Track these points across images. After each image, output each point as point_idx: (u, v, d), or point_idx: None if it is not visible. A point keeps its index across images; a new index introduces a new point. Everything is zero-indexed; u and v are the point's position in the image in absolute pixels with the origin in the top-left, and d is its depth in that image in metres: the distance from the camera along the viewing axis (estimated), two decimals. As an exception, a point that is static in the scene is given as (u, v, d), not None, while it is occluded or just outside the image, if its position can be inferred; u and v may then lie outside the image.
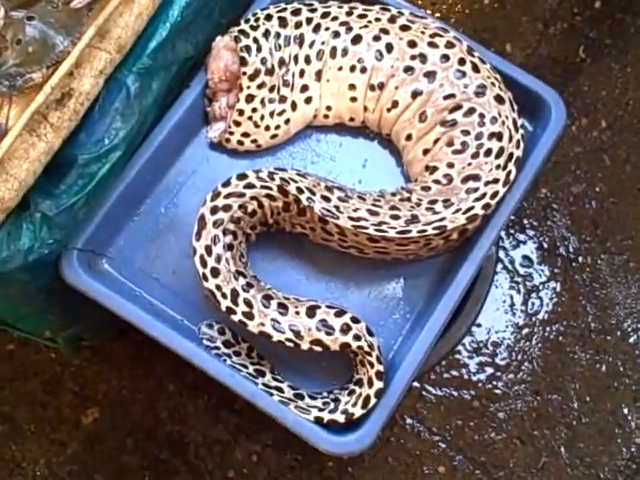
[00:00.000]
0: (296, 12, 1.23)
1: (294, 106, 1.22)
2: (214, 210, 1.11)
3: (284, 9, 1.23)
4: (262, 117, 1.20)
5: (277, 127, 1.22)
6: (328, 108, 1.23)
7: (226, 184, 1.12)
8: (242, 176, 1.12)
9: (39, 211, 1.05)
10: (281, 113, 1.21)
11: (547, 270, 1.72)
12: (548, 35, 1.87)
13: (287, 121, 1.22)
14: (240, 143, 1.22)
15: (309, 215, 1.13)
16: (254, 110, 1.20)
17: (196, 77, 1.22)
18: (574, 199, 1.77)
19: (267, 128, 1.21)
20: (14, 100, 1.01)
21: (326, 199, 1.12)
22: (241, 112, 1.20)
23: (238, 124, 1.20)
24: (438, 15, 1.86)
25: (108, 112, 1.09)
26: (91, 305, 1.13)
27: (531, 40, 1.86)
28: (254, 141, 1.22)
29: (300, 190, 1.10)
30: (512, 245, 1.73)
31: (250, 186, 1.12)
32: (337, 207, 1.12)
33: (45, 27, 1.01)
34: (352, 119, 1.25)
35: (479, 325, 1.66)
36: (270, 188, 1.11)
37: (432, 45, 1.20)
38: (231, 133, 1.21)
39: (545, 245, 1.74)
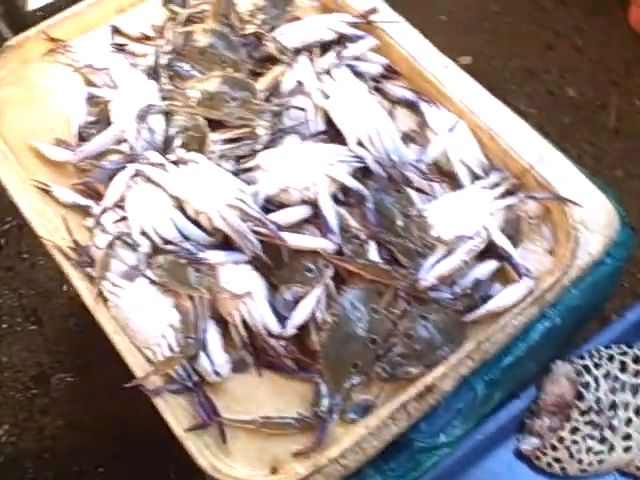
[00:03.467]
0: (638, 360, 1.27)
1: (611, 449, 1.24)
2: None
3: (625, 353, 1.28)
4: (579, 450, 1.23)
5: (590, 464, 1.24)
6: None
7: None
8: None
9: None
10: (598, 453, 1.24)
11: None
12: None
13: (600, 462, 1.24)
14: (549, 465, 1.25)
15: None
16: (574, 442, 1.23)
17: (526, 391, 1.27)
18: None
19: (580, 461, 1.24)
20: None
21: None
22: (561, 439, 1.23)
23: (555, 448, 1.24)
24: None
25: (451, 410, 1.17)
26: None
27: None
28: (563, 469, 1.25)
29: None
30: None
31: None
32: None
33: (434, 330, 1.12)
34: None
35: None
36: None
37: None
38: (544, 453, 1.25)
39: None
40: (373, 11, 1.39)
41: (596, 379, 1.25)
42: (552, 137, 1.41)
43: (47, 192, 1.27)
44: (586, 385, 1.24)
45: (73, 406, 1.87)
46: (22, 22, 1.97)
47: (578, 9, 2.52)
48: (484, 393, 1.19)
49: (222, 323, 1.15)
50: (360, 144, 1.23)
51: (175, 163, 1.21)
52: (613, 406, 1.25)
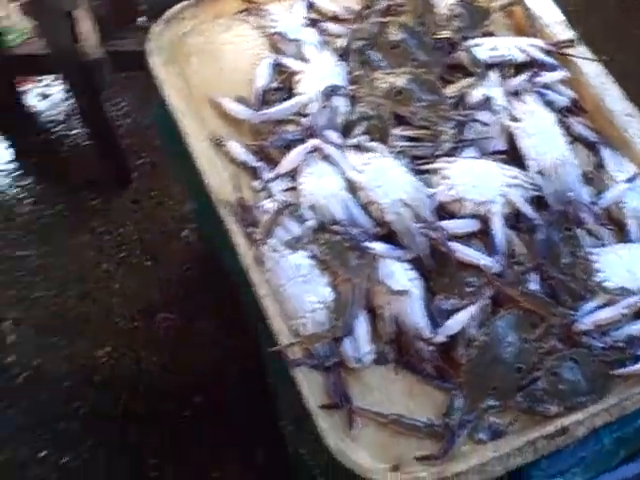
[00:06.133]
0: None
1: None
2: None
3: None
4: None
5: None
6: None
7: None
8: None
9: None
10: None
11: None
12: None
13: None
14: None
15: None
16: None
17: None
18: None
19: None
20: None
21: None
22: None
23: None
24: None
25: (575, 456, 1.13)
26: None
27: None
28: None
29: None
30: None
31: None
32: None
33: (581, 375, 1.11)
34: None
35: None
36: None
37: None
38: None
39: None
40: (570, 43, 1.37)
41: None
42: None
43: (220, 146, 1.28)
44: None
45: (170, 347, 1.89)
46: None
47: None
48: (610, 448, 1.16)
49: (371, 314, 1.15)
50: (540, 173, 1.21)
51: (354, 148, 1.21)
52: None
